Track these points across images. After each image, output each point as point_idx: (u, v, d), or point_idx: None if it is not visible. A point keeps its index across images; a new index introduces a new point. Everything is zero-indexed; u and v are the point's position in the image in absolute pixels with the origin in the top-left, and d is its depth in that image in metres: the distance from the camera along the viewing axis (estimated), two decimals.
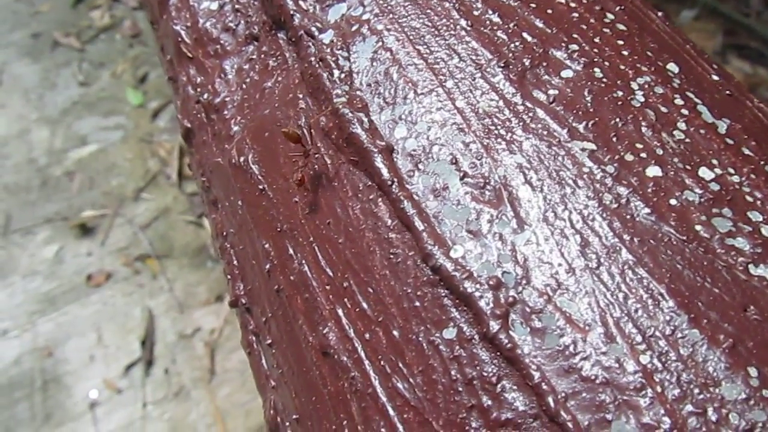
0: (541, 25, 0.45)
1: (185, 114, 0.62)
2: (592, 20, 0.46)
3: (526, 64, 0.43)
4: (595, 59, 0.43)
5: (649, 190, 0.37)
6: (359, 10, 0.49)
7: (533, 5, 0.47)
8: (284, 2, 0.52)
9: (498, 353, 0.35)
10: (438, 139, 0.42)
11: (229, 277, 0.54)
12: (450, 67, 0.44)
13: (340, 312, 0.41)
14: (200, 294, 2.16)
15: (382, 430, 0.37)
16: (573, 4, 0.47)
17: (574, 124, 0.40)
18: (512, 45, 0.44)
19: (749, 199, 0.38)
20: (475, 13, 0.46)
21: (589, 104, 0.41)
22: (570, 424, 0.32)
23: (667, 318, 0.33)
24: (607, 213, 0.37)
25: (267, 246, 0.48)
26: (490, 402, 0.34)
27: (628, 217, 0.37)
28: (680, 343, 0.33)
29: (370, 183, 0.43)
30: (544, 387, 0.33)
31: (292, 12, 0.51)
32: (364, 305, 0.40)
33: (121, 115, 2.39)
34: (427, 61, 0.45)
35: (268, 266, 0.47)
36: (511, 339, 0.35)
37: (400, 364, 0.38)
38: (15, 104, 2.36)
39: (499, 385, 0.35)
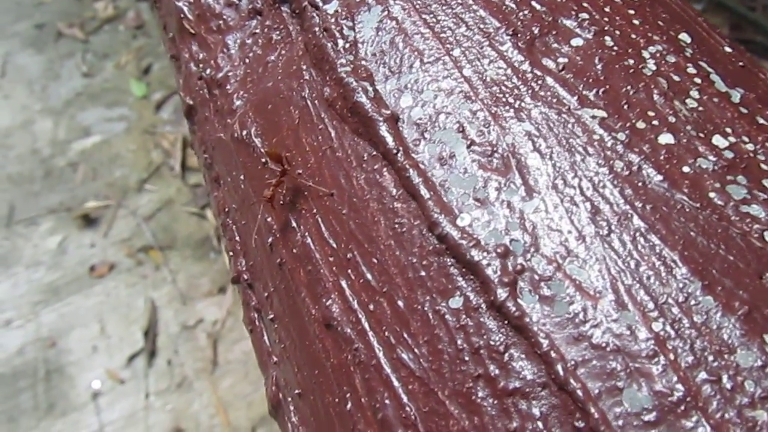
0: None
1: (187, 91, 0.61)
2: None
3: (535, 32, 0.42)
4: (606, 28, 0.42)
5: (662, 157, 0.36)
6: None
7: None
8: None
9: (505, 322, 0.34)
10: (444, 108, 0.41)
11: (231, 253, 0.53)
12: (457, 35, 0.43)
13: (343, 283, 0.40)
14: (203, 285, 2.16)
15: (387, 401, 0.36)
16: None
17: (584, 92, 0.39)
18: (521, 13, 0.43)
19: (764, 167, 0.36)
20: None
21: (599, 72, 0.40)
22: (580, 392, 0.31)
23: (680, 285, 0.32)
24: (618, 180, 0.36)
25: (269, 219, 0.47)
26: (497, 371, 0.33)
27: (640, 184, 0.36)
28: (694, 311, 0.32)
29: (374, 153, 0.42)
30: (553, 355, 0.32)
31: None
32: (369, 276, 0.39)
33: (124, 106, 2.38)
34: (433, 29, 0.44)
35: (270, 240, 0.46)
36: (519, 307, 0.34)
37: (405, 335, 0.37)
38: (19, 95, 2.35)
39: (506, 354, 0.34)
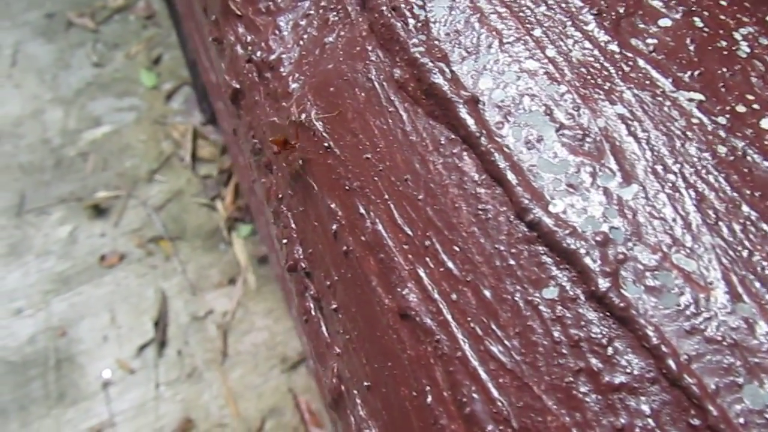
0: None
1: (233, 74, 0.59)
2: None
3: (621, 11, 0.40)
4: (693, 8, 0.40)
5: (766, 142, 0.34)
6: None
7: None
8: None
9: (607, 313, 0.32)
10: (528, 90, 0.38)
11: (285, 241, 0.50)
12: (537, 15, 0.41)
13: (421, 272, 0.38)
14: (213, 276, 2.13)
15: (474, 395, 0.34)
16: None
17: (678, 74, 0.37)
18: None
19: None
20: None
21: (692, 54, 0.38)
22: (695, 388, 0.29)
23: None
24: (722, 166, 0.34)
25: (333, 206, 0.44)
26: (600, 365, 0.31)
27: (746, 170, 0.33)
28: None
29: (452, 136, 0.39)
30: (664, 349, 0.30)
31: None
32: (450, 265, 0.37)
33: (134, 96, 2.35)
34: (511, 9, 0.41)
35: (334, 227, 0.44)
36: (624, 298, 0.32)
37: (493, 326, 0.35)
38: (29, 84, 2.31)
39: (610, 347, 0.31)
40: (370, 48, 0.45)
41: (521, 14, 0.41)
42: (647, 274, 0.32)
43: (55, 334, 1.98)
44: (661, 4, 0.40)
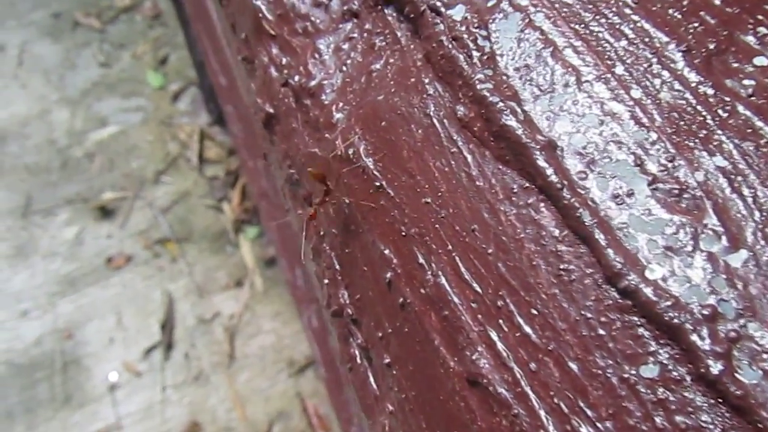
0: (718, 2, 0.37)
1: (267, 98, 0.54)
2: None
3: (711, 48, 0.36)
4: None
5: None
6: None
7: None
8: None
9: (720, 400, 0.28)
10: (614, 136, 0.34)
11: (326, 281, 0.46)
12: (618, 50, 0.36)
13: (493, 335, 0.34)
14: (220, 279, 2.09)
15: None
16: None
17: None
18: (690, 26, 0.36)
19: None
20: None
21: None
22: None
23: None
24: None
25: (387, 252, 0.40)
26: None
27: None
28: None
29: (527, 185, 0.35)
30: None
31: None
32: (527, 330, 0.33)
33: (141, 96, 2.29)
34: (588, 42, 0.37)
35: (388, 275, 0.40)
36: (740, 384, 0.27)
37: (582, 404, 0.30)
38: (35, 84, 2.26)
39: None
40: (426, 80, 0.41)
41: (599, 48, 0.37)
42: (765, 356, 0.28)
43: (61, 336, 1.93)
44: (754, 41, 0.36)
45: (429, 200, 0.38)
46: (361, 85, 0.46)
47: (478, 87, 0.37)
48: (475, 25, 0.40)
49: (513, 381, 0.33)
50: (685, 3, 0.37)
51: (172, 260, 2.10)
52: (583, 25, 0.38)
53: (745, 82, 0.34)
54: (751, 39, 0.36)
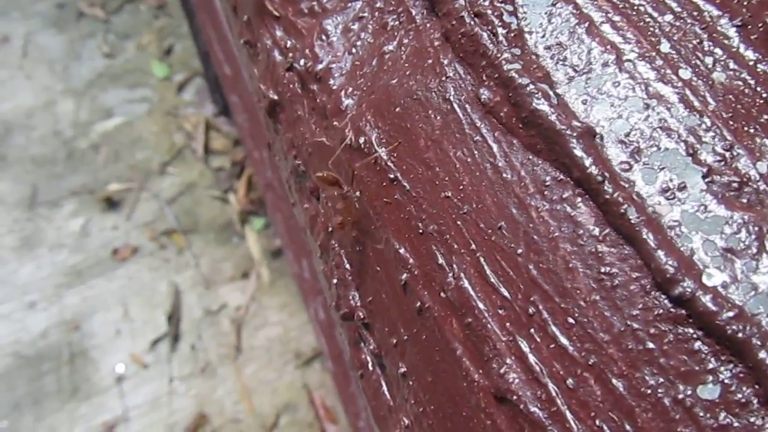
0: None
1: (270, 84, 0.50)
2: None
3: None
4: None
5: None
6: None
7: None
8: None
9: None
10: (662, 122, 0.30)
11: (335, 281, 0.42)
12: (663, 25, 0.32)
13: (524, 347, 0.30)
14: (226, 270, 2.05)
15: None
16: None
17: None
18: None
19: None
20: None
21: None
22: None
23: None
24: None
25: (402, 251, 0.36)
26: None
27: None
28: None
29: (561, 177, 0.31)
30: None
31: None
32: (563, 341, 0.29)
33: (146, 87, 2.25)
34: (628, 17, 0.32)
35: (404, 277, 0.35)
36: None
37: (628, 427, 0.26)
38: (40, 75, 2.22)
39: None
40: (445, 62, 0.36)
41: (642, 24, 0.32)
42: None
43: (68, 327, 1.90)
44: None
45: (449, 194, 0.34)
46: (372, 69, 0.41)
47: (505, 68, 0.33)
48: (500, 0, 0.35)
49: (547, 399, 0.28)
50: None
51: (179, 252, 2.07)
52: None
53: None
54: None
